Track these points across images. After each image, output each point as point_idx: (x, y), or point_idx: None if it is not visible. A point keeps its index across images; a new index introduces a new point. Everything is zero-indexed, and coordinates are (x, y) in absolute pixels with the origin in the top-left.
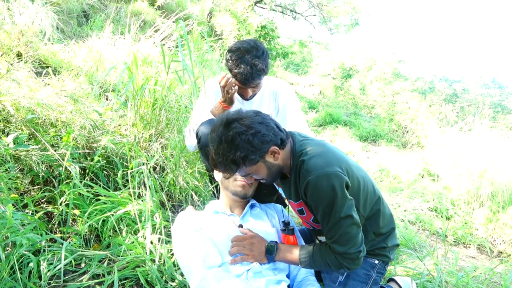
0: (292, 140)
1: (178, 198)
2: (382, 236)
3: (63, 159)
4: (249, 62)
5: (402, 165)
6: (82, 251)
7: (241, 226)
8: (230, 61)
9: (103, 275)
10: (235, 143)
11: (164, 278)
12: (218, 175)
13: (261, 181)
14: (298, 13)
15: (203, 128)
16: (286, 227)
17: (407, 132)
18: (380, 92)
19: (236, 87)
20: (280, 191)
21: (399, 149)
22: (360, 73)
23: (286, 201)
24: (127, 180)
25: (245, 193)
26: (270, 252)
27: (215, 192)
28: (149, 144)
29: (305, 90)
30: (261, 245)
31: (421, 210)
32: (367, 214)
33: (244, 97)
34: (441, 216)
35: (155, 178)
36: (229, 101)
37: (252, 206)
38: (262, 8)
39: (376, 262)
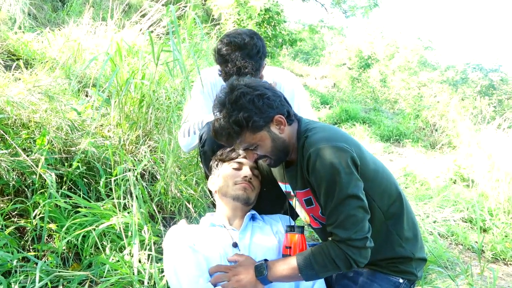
0: (298, 123)
1: (170, 210)
2: (408, 242)
3: (37, 166)
4: (238, 63)
5: (430, 169)
6: (59, 272)
7: (236, 244)
8: (218, 55)
9: None
10: (239, 103)
11: None
12: (212, 183)
13: (265, 162)
14: None
15: (209, 130)
16: (292, 227)
17: (436, 130)
18: (404, 84)
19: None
20: (287, 189)
21: (427, 150)
22: (381, 62)
23: (294, 204)
24: (110, 189)
25: (247, 197)
26: (260, 273)
27: (214, 202)
28: (136, 147)
29: (317, 83)
30: (248, 272)
31: (453, 221)
32: (385, 208)
33: None
34: (477, 228)
35: (143, 186)
36: None
37: (253, 218)
38: None
39: (401, 281)
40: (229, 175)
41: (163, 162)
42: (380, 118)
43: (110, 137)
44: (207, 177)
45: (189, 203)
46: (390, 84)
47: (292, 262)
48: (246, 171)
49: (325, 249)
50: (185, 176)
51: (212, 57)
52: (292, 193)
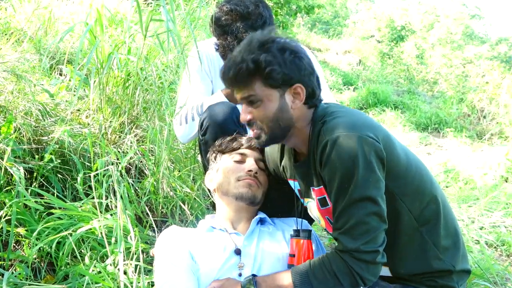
0: (314, 109)
1: (162, 212)
2: (447, 252)
3: (2, 158)
4: (238, 36)
5: (477, 165)
6: (29, 285)
7: (238, 251)
8: (215, 25)
9: None
10: (268, 46)
11: None
12: (210, 180)
13: (255, 134)
14: None
15: (213, 113)
16: (298, 231)
17: (484, 117)
18: (445, 61)
19: None
20: (297, 189)
21: (473, 141)
22: (417, 34)
23: (309, 207)
24: (90, 187)
25: (253, 195)
26: None
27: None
28: (120, 137)
29: (339, 59)
30: None
31: (504, 228)
32: (417, 212)
33: None
34: None
35: (129, 183)
36: None
37: (262, 222)
38: None
39: None
40: (230, 169)
41: (153, 155)
42: (416, 102)
43: (89, 124)
44: (205, 171)
45: (184, 204)
46: (428, 61)
47: (286, 278)
48: (250, 164)
49: (326, 261)
50: (179, 171)
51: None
52: (303, 193)
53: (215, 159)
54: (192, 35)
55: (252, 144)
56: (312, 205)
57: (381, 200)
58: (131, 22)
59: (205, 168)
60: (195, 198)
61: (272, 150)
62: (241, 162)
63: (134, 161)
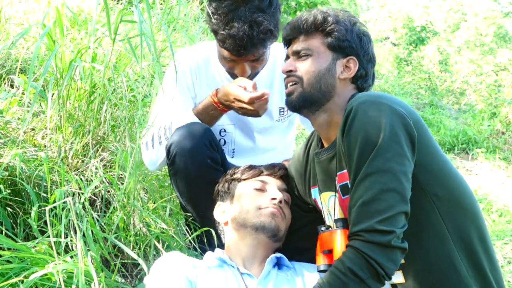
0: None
1: (133, 252)
2: (490, 265)
3: None
4: (247, 19)
5: None
6: None
7: None
8: (215, 18)
9: None
10: (339, 14)
11: None
12: (222, 211)
13: (290, 86)
14: None
15: (180, 138)
16: (329, 226)
17: None
18: (474, 68)
19: (264, 111)
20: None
21: (508, 164)
22: (440, 35)
23: (328, 206)
24: (46, 223)
25: (276, 226)
26: None
27: (195, 243)
28: (83, 161)
29: None
30: None
31: None
32: (453, 223)
33: (236, 76)
34: None
35: (93, 218)
36: (235, 110)
37: (279, 264)
38: None
39: None
40: (250, 197)
41: (122, 183)
42: (440, 118)
43: (45, 146)
44: (183, 207)
45: (159, 243)
46: (454, 67)
47: None
48: (274, 191)
49: (338, 263)
50: (154, 203)
51: (192, 28)
52: (323, 187)
53: (228, 189)
54: (169, 39)
55: (275, 172)
56: (335, 202)
57: (403, 177)
58: (97, 23)
59: (180, 203)
60: (173, 236)
61: (297, 159)
62: (261, 190)
63: (99, 191)
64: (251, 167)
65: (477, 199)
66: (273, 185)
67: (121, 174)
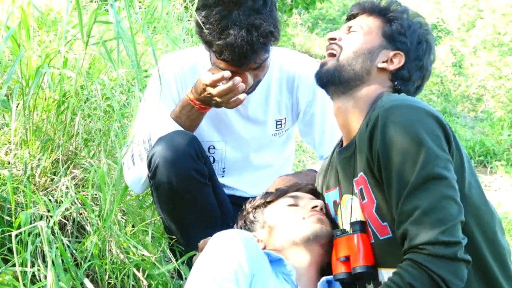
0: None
1: (109, 283)
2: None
3: None
4: (243, 23)
5: None
6: None
7: None
8: (207, 27)
9: None
10: (406, 12)
11: None
12: (260, 241)
13: (331, 50)
14: None
15: (163, 148)
16: (344, 230)
17: None
18: (492, 70)
19: (244, 95)
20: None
21: None
22: (454, 35)
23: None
24: (10, 250)
25: (328, 231)
26: None
27: (181, 270)
28: (52, 180)
29: None
30: None
31: None
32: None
33: None
34: None
35: (63, 244)
36: (215, 105)
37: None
38: None
39: None
40: (287, 214)
41: (97, 204)
42: (454, 127)
43: (9, 163)
44: (166, 228)
45: (139, 271)
46: (469, 70)
47: None
48: (310, 201)
49: (396, 277)
50: (133, 226)
51: (176, 30)
52: (342, 189)
53: (254, 218)
54: (150, 42)
55: (302, 187)
56: (353, 205)
57: (455, 184)
58: (68, 24)
59: (164, 223)
60: (154, 264)
61: (325, 162)
62: (295, 205)
63: (71, 213)
64: (269, 192)
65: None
66: (305, 197)
67: (96, 194)
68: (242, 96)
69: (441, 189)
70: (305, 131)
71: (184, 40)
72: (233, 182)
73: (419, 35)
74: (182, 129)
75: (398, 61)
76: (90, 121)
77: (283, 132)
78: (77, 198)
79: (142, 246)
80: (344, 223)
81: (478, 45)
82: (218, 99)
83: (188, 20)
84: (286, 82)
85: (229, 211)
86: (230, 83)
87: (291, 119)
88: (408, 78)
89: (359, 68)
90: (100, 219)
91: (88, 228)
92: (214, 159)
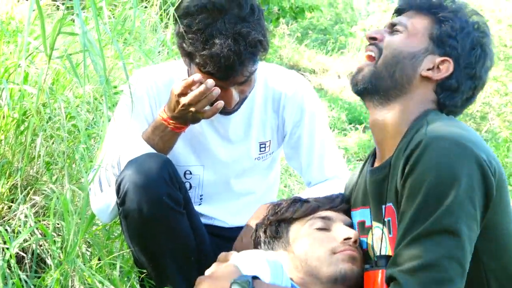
0: (431, 110)
1: None
2: None
3: None
4: (229, 32)
5: None
6: None
7: None
8: (189, 37)
9: None
10: (461, 10)
11: None
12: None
13: (368, 64)
14: None
15: (133, 172)
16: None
17: None
18: (497, 86)
19: (222, 103)
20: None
21: None
22: None
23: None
24: None
25: (358, 272)
26: None
27: None
28: (9, 208)
29: (341, 85)
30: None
31: None
32: None
33: (223, 107)
34: None
35: (20, 279)
36: (192, 120)
37: None
38: None
39: None
40: (315, 240)
41: (59, 235)
42: None
43: None
44: (136, 260)
45: None
46: None
47: None
48: (343, 230)
49: None
50: (100, 259)
51: (151, 40)
52: (371, 216)
53: (276, 233)
54: (121, 56)
55: (336, 205)
56: (378, 234)
57: (469, 246)
58: (30, 34)
59: (134, 255)
60: None
61: (353, 174)
62: (326, 229)
63: (30, 245)
64: (301, 202)
65: None
66: (338, 221)
67: (58, 224)
68: (219, 104)
69: (451, 247)
70: (291, 155)
71: (159, 52)
72: (212, 210)
73: (473, 39)
74: (154, 151)
75: (446, 69)
76: (52, 143)
77: (267, 156)
78: (37, 228)
79: (109, 282)
80: (372, 252)
81: None
82: (192, 109)
83: (163, 31)
84: (271, 100)
85: (206, 242)
86: (202, 87)
87: (276, 141)
88: (456, 89)
89: (399, 75)
90: (62, 252)
91: (49, 261)
92: (190, 185)
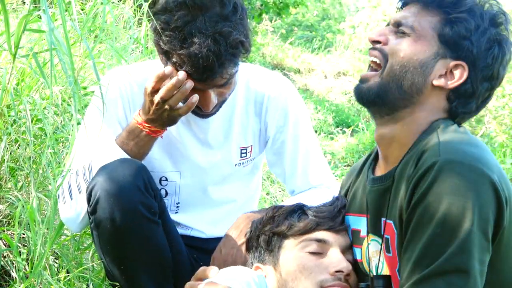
0: (442, 119)
1: None
2: None
3: None
4: (209, 31)
5: None
6: None
7: None
8: (167, 35)
9: None
10: (470, 4)
11: None
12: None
13: (374, 73)
14: None
15: (105, 179)
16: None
17: None
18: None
19: (196, 97)
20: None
21: None
22: None
23: (365, 253)
24: None
25: None
26: None
27: None
28: None
29: (328, 85)
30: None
31: None
32: None
33: (200, 109)
34: None
35: None
36: (168, 120)
37: None
38: None
39: None
40: (305, 267)
41: (24, 245)
42: None
43: None
44: (108, 273)
45: None
46: None
47: None
48: (338, 259)
49: None
50: (68, 272)
51: (123, 37)
52: (368, 228)
53: (268, 246)
54: (90, 55)
55: (335, 226)
56: (375, 248)
57: (480, 280)
58: None
59: (106, 267)
60: None
61: (350, 172)
62: (320, 254)
63: None
64: (300, 212)
65: None
66: (335, 246)
67: (23, 234)
68: (194, 98)
69: (464, 287)
70: (274, 162)
71: (132, 51)
72: (189, 219)
73: (490, 37)
74: (128, 157)
75: (460, 74)
76: (17, 147)
77: (248, 162)
78: (0, 238)
79: None
80: (368, 265)
81: None
82: (167, 106)
83: (137, 28)
84: (253, 103)
85: (183, 253)
86: (174, 79)
87: (258, 147)
88: (472, 94)
89: (408, 86)
90: (28, 264)
91: (13, 274)
92: (166, 192)
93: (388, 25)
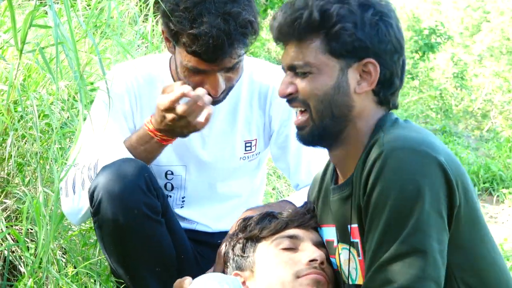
0: (383, 117)
1: None
2: None
3: None
4: (219, 11)
5: None
6: None
7: None
8: (176, 15)
9: None
10: (350, 1)
11: None
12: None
13: (304, 118)
14: None
15: (108, 179)
16: None
17: None
18: (500, 82)
19: (211, 108)
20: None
21: None
22: (455, 40)
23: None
24: None
25: None
26: None
27: None
28: None
29: None
30: None
31: None
32: None
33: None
34: None
35: None
36: (181, 133)
37: None
38: None
39: None
40: (280, 263)
41: (32, 240)
42: (455, 148)
43: None
44: (112, 271)
45: None
46: (473, 82)
47: None
48: (311, 250)
49: None
50: (75, 267)
51: (128, 33)
52: (338, 237)
53: (244, 252)
54: (96, 50)
55: (305, 221)
56: (345, 257)
57: (441, 260)
58: None
59: (111, 265)
60: None
61: (314, 181)
62: (293, 249)
63: (1, 251)
64: (269, 217)
65: (504, 257)
66: (307, 240)
67: (31, 229)
68: (210, 110)
69: (424, 267)
70: (279, 156)
71: (138, 46)
72: (194, 214)
73: (371, 19)
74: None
75: (373, 69)
76: (25, 143)
77: (253, 156)
78: (8, 233)
79: None
80: (344, 272)
81: (484, 52)
82: (182, 123)
83: (143, 23)
84: (257, 96)
85: (187, 250)
86: (192, 94)
87: (263, 141)
88: (391, 75)
89: (339, 112)
90: (35, 258)
91: (21, 268)
92: (172, 186)
93: (285, 71)
